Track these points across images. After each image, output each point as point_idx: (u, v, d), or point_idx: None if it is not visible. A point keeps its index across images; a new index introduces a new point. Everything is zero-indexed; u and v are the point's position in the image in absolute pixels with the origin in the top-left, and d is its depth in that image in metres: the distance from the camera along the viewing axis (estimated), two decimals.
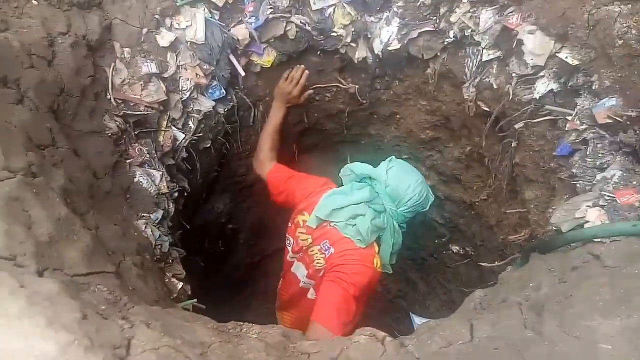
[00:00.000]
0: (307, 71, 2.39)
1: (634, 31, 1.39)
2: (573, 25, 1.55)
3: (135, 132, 1.91)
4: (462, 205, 2.64)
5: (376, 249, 1.95)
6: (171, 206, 1.98)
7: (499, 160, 2.07)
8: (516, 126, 1.86)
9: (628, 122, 1.38)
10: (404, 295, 3.71)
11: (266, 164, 2.35)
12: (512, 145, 1.95)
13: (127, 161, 1.86)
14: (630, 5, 1.43)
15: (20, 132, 1.36)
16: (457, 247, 2.86)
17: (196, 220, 2.56)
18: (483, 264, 2.31)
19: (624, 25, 1.42)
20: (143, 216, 1.76)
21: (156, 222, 1.79)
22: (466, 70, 2.13)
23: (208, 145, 2.30)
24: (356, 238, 1.90)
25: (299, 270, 2.14)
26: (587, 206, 1.42)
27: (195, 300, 1.65)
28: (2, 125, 1.29)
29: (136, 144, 1.92)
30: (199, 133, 2.19)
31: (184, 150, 2.15)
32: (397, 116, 2.61)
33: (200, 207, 2.57)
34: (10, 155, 1.19)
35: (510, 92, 1.86)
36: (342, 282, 1.78)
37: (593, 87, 1.51)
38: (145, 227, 1.69)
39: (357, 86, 2.49)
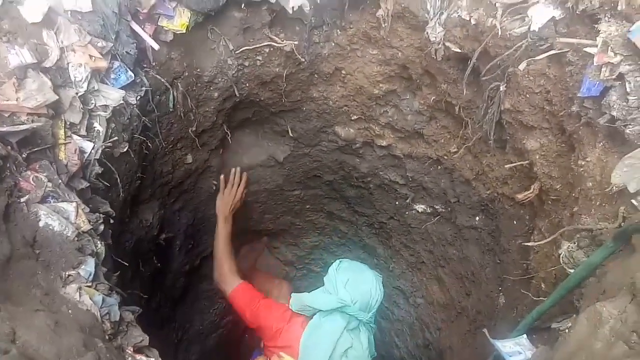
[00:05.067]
0: (244, 173, 2.62)
1: None
2: None
3: (23, 156, 1.31)
4: (426, 162, 2.39)
5: None
6: (99, 245, 1.44)
7: (482, 108, 1.81)
8: (509, 68, 1.59)
9: None
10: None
11: (232, 280, 2.37)
12: (501, 90, 1.69)
13: (22, 200, 1.27)
14: None
15: None
16: (422, 206, 2.63)
17: (125, 245, 2.00)
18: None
19: None
20: (70, 277, 1.21)
21: (90, 278, 1.26)
22: (428, 6, 1.80)
23: (125, 150, 1.73)
24: None
25: None
26: None
27: None
28: None
29: (28, 172, 1.33)
30: (112, 137, 1.61)
31: (97, 163, 1.57)
32: (343, 72, 2.22)
33: (126, 227, 2.01)
34: None
35: (497, 27, 1.57)
36: None
37: (619, 9, 1.26)
38: (80, 296, 1.16)
39: (294, 42, 2.04)
